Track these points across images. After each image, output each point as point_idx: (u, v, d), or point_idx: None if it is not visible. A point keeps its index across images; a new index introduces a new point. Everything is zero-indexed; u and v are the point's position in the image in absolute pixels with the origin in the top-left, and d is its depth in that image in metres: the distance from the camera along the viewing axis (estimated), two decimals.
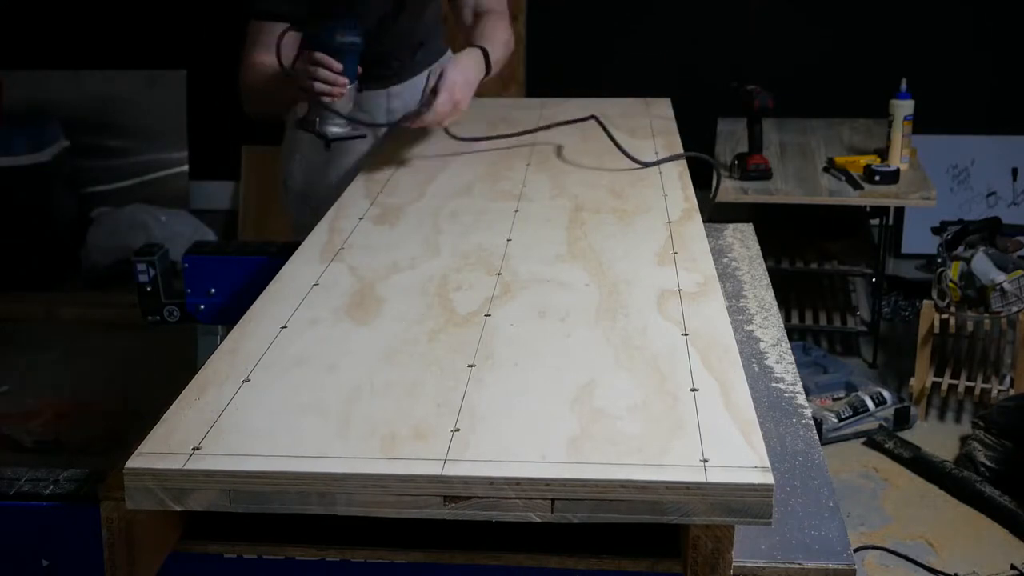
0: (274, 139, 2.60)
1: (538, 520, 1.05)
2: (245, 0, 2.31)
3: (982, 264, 3.24)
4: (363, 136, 2.18)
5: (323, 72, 2.04)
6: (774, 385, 1.56)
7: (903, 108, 3.45)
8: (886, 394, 3.36)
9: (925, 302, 3.35)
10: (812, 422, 1.46)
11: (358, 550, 1.17)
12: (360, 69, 2.10)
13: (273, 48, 2.21)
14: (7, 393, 3.49)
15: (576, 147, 2.28)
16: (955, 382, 3.32)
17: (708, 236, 1.76)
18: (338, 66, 2.03)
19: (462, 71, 2.11)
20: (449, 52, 2.72)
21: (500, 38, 2.32)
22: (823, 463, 1.36)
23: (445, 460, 1.06)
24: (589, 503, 1.04)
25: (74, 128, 4.52)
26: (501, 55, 2.31)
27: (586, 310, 1.43)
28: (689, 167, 2.12)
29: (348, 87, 2.06)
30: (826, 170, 3.55)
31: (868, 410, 3.30)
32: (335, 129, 2.09)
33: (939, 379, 3.34)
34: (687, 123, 2.51)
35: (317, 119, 2.08)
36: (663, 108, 2.63)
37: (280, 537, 1.18)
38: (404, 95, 2.60)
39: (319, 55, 2.04)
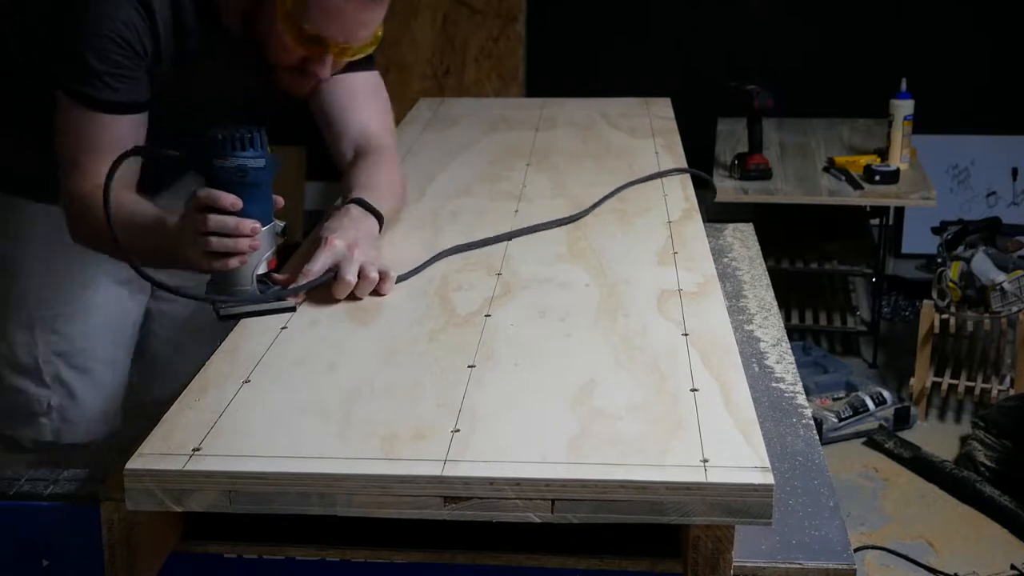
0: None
1: (538, 520, 1.05)
2: (70, 81, 1.53)
3: (982, 264, 3.24)
4: (291, 309, 1.43)
5: (216, 219, 1.36)
6: (774, 385, 1.56)
7: (903, 108, 3.44)
8: (886, 394, 3.36)
9: (925, 302, 3.35)
10: (812, 422, 1.46)
11: (358, 550, 1.17)
12: (277, 200, 1.46)
13: (129, 163, 1.47)
14: None
15: (576, 147, 2.28)
16: (955, 382, 3.32)
17: (708, 236, 1.76)
18: (236, 202, 1.37)
19: (342, 235, 1.49)
20: None
21: (384, 181, 1.68)
22: (823, 463, 1.36)
23: (445, 461, 1.06)
24: (589, 503, 1.04)
25: None
26: (391, 205, 1.67)
27: (586, 310, 1.43)
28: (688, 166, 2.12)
29: (263, 230, 1.41)
30: (826, 170, 3.55)
31: (868, 410, 3.30)
32: (241, 307, 1.42)
33: (939, 379, 3.34)
34: (687, 123, 2.51)
35: (217, 286, 1.44)
36: (663, 108, 2.63)
37: (280, 537, 1.18)
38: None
39: (208, 192, 1.37)
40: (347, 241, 1.48)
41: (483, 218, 1.82)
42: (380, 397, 1.20)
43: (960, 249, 3.39)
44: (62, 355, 1.81)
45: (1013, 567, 2.64)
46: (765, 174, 3.44)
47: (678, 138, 2.33)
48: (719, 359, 1.28)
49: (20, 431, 1.84)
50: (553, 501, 1.04)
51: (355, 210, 1.57)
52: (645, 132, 2.38)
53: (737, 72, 3.79)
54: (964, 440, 3.20)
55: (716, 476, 1.03)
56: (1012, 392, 3.23)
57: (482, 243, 1.66)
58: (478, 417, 1.15)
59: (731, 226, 2.24)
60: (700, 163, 2.75)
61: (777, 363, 1.63)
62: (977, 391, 3.28)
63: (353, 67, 1.70)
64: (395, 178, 1.74)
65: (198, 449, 1.09)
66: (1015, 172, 4.21)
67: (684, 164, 2.13)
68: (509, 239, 1.69)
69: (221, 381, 1.24)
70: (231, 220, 1.37)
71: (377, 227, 1.58)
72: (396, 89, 4.12)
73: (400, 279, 1.51)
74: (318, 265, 1.45)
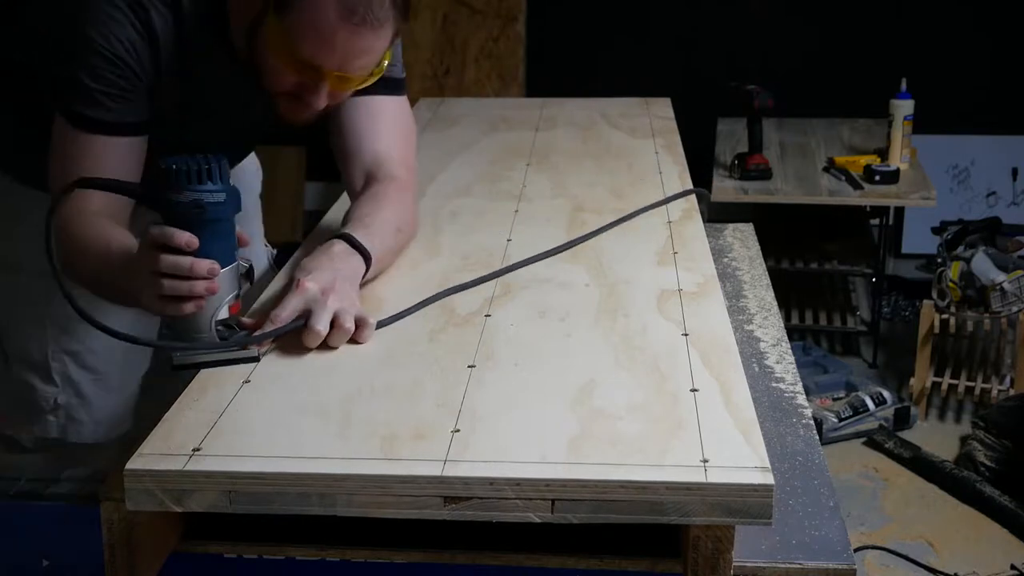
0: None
1: (538, 520, 1.05)
2: (62, 98, 1.47)
3: (982, 264, 3.24)
4: (254, 359, 1.30)
5: (169, 259, 1.24)
6: (774, 385, 1.56)
7: (903, 108, 3.44)
8: (886, 394, 3.36)
9: (925, 302, 3.35)
10: (812, 422, 1.46)
11: (358, 550, 1.17)
12: (243, 237, 1.33)
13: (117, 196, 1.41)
14: None
15: (576, 147, 2.28)
16: (955, 382, 3.32)
17: (708, 236, 1.76)
18: (192, 240, 1.24)
19: (317, 276, 1.37)
20: None
21: (385, 217, 1.55)
22: (823, 463, 1.36)
23: (445, 461, 1.06)
24: (589, 503, 1.04)
25: None
26: (388, 244, 1.54)
27: (586, 310, 1.43)
28: (688, 168, 2.12)
29: (224, 271, 1.28)
30: (826, 170, 3.55)
31: (868, 410, 3.29)
32: (197, 356, 1.29)
33: (939, 379, 3.34)
34: (687, 123, 2.51)
35: (173, 332, 1.32)
36: (663, 108, 2.63)
37: (280, 537, 1.18)
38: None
39: (160, 229, 1.25)
40: (321, 284, 1.35)
41: (483, 218, 1.82)
42: (380, 397, 1.20)
43: (960, 249, 3.39)
44: (72, 354, 1.76)
45: (1013, 567, 2.64)
46: (765, 174, 3.44)
47: (678, 138, 2.33)
48: (719, 359, 1.28)
49: (26, 427, 1.81)
50: (553, 501, 1.04)
51: (338, 247, 1.45)
52: (645, 132, 2.38)
53: (737, 72, 3.79)
54: (964, 440, 3.20)
55: (716, 476, 1.03)
56: (1012, 392, 3.23)
57: (471, 284, 1.52)
58: (478, 417, 1.15)
59: (731, 226, 2.24)
60: (700, 163, 2.75)
61: (777, 363, 1.63)
62: (977, 391, 3.28)
63: (378, 90, 1.59)
64: (400, 214, 1.59)
65: (198, 449, 1.09)
66: (1015, 172, 4.21)
67: (684, 164, 2.13)
68: (500, 275, 1.55)
69: (221, 381, 1.24)
70: (185, 260, 1.24)
71: (362, 267, 1.45)
72: None
73: (380, 324, 1.37)
74: (287, 311, 1.32)
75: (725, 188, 3.39)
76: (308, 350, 1.31)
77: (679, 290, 1.49)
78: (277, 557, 1.18)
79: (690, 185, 1.99)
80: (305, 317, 1.32)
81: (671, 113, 2.57)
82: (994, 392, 3.25)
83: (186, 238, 1.24)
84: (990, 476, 2.97)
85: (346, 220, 1.54)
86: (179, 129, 1.56)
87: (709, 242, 1.72)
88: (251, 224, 2.00)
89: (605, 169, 2.11)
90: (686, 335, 1.35)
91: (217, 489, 1.06)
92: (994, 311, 3.21)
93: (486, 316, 1.42)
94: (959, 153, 4.20)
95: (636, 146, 2.26)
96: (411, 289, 1.51)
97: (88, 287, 1.41)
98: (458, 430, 1.12)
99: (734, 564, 1.10)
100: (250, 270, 1.33)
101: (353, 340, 1.33)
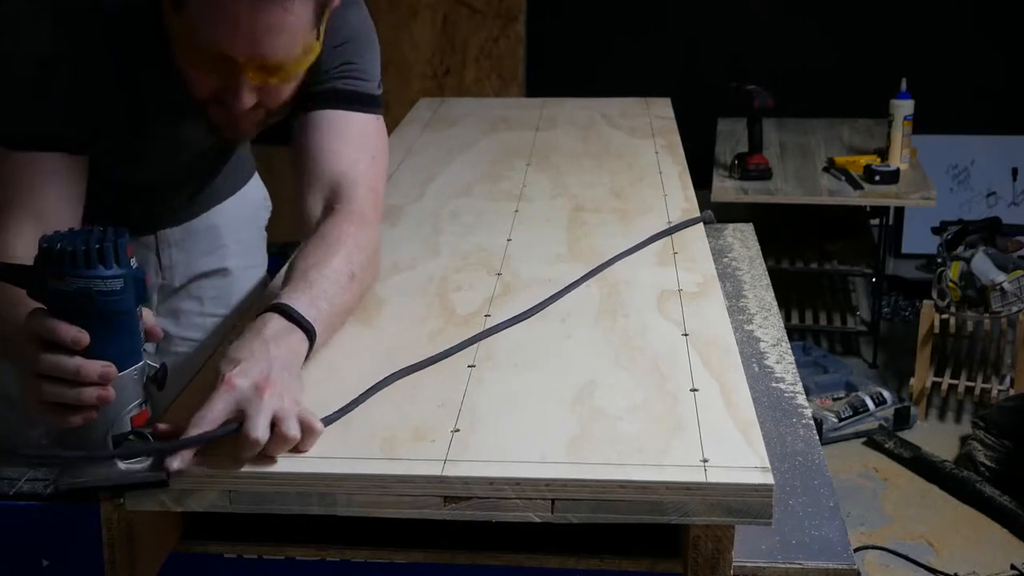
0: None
1: (538, 520, 1.05)
2: None
3: (982, 264, 3.24)
4: (162, 484, 1.05)
5: (51, 360, 1.01)
6: (774, 385, 1.56)
7: (903, 108, 3.45)
8: (886, 394, 3.36)
9: (925, 302, 3.35)
10: (812, 422, 1.46)
11: (358, 550, 1.17)
12: (151, 325, 1.09)
13: (36, 213, 1.25)
14: None
15: (576, 147, 2.28)
16: (955, 382, 3.32)
17: (708, 236, 1.76)
18: (80, 337, 1.01)
19: (249, 369, 1.10)
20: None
21: (340, 271, 1.30)
22: (823, 463, 1.36)
23: (445, 461, 1.06)
24: (589, 503, 1.04)
25: None
26: (340, 302, 1.29)
27: (586, 310, 1.43)
28: (688, 168, 2.12)
29: (123, 374, 1.04)
30: (826, 170, 3.55)
31: (868, 410, 3.30)
32: (85, 479, 1.06)
33: (939, 379, 3.34)
34: (687, 123, 2.51)
35: (64, 444, 1.07)
36: (663, 108, 2.63)
37: (280, 537, 1.18)
38: (186, 243, 1.77)
39: (40, 322, 1.02)
40: (254, 379, 1.09)
41: (483, 218, 1.82)
42: (380, 397, 1.20)
43: (960, 249, 3.39)
44: None
45: (1013, 567, 2.64)
46: (765, 174, 3.45)
47: (678, 138, 2.33)
48: (719, 359, 1.28)
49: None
50: (553, 501, 1.04)
51: (273, 325, 1.18)
52: (645, 132, 2.38)
53: (737, 72, 3.79)
54: (964, 440, 3.20)
55: (716, 476, 1.03)
56: (1012, 392, 3.23)
57: (435, 359, 1.29)
58: (478, 417, 1.15)
59: (731, 226, 2.24)
60: (700, 163, 2.75)
61: (777, 363, 1.63)
62: (977, 391, 3.29)
63: (344, 104, 1.42)
64: (357, 256, 1.34)
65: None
66: (1015, 172, 4.21)
67: (684, 164, 2.13)
68: (480, 339, 1.35)
69: None
70: (71, 362, 1.01)
71: (303, 347, 1.19)
72: (396, 89, 4.13)
73: (328, 421, 1.13)
74: (212, 414, 1.07)
75: (725, 188, 3.39)
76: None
77: (679, 290, 1.49)
78: (277, 557, 1.18)
79: (690, 185, 1.99)
80: (238, 421, 1.07)
81: (671, 113, 2.57)
82: (994, 392, 3.25)
83: (73, 334, 1.01)
84: (990, 476, 2.97)
85: (289, 273, 1.31)
86: (130, 157, 1.44)
87: (709, 242, 1.72)
88: (255, 256, 1.95)
89: (605, 169, 2.11)
90: (686, 335, 1.35)
91: (217, 489, 1.06)
92: (994, 311, 3.22)
93: (486, 316, 1.42)
94: (959, 153, 4.20)
95: (636, 146, 2.26)
96: (411, 289, 1.51)
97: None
98: (458, 430, 1.12)
99: (734, 564, 1.10)
100: (160, 371, 1.08)
101: (295, 448, 1.09)
